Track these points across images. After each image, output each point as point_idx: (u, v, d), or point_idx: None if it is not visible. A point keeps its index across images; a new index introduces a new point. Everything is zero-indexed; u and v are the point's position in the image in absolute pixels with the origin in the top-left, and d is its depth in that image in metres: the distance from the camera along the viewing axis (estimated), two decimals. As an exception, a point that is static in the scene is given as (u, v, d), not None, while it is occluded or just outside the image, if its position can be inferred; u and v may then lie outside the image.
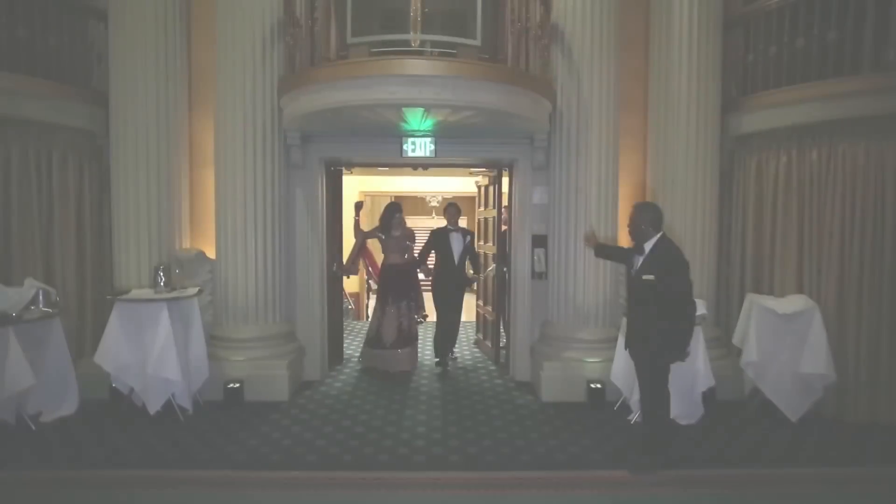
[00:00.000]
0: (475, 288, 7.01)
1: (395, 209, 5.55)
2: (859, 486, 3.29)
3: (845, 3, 4.15)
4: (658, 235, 3.42)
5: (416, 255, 5.74)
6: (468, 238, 5.71)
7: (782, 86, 4.52)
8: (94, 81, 4.98)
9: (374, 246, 6.42)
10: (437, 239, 5.67)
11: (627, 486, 3.25)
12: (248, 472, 3.36)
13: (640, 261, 3.43)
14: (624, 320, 4.10)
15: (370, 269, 8.04)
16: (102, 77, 4.92)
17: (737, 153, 5.00)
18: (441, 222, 5.97)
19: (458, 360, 6.04)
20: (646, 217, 3.47)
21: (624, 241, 4.42)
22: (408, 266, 5.56)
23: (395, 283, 5.44)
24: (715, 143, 4.87)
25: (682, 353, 3.36)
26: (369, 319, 5.94)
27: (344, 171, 5.91)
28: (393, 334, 5.30)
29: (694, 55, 4.76)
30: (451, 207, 5.79)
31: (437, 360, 5.70)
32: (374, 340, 5.39)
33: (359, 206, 5.96)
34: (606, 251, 3.96)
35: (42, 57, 4.57)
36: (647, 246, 3.40)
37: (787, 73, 4.54)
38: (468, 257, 5.77)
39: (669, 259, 3.40)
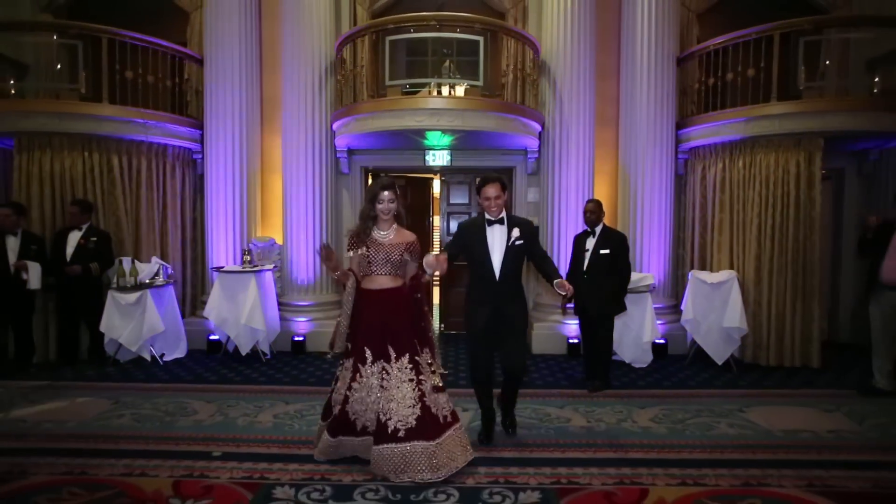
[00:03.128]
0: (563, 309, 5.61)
1: (383, 185, 3.15)
2: (758, 401, 4.58)
3: (760, 47, 5.45)
4: (602, 222, 4.81)
5: (421, 277, 3.25)
6: (518, 233, 3.33)
7: (718, 109, 5.85)
8: (191, 110, 6.56)
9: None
10: (466, 234, 3.43)
11: (585, 398, 4.61)
12: (317, 386, 4.82)
13: (593, 242, 4.80)
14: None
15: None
16: (198, 106, 6.49)
17: (688, 161, 6.33)
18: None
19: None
20: (602, 210, 4.86)
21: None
22: (401, 292, 3.18)
23: (378, 322, 3.10)
24: (671, 152, 6.20)
25: (623, 306, 4.74)
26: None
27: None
28: (369, 417, 3.05)
29: (653, 83, 6.08)
30: (489, 183, 3.31)
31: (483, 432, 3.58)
32: (330, 418, 3.16)
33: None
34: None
35: (160, 93, 6.13)
36: (597, 229, 4.79)
37: (721, 100, 5.85)
38: (530, 263, 3.59)
39: (617, 237, 4.79)
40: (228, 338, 5.70)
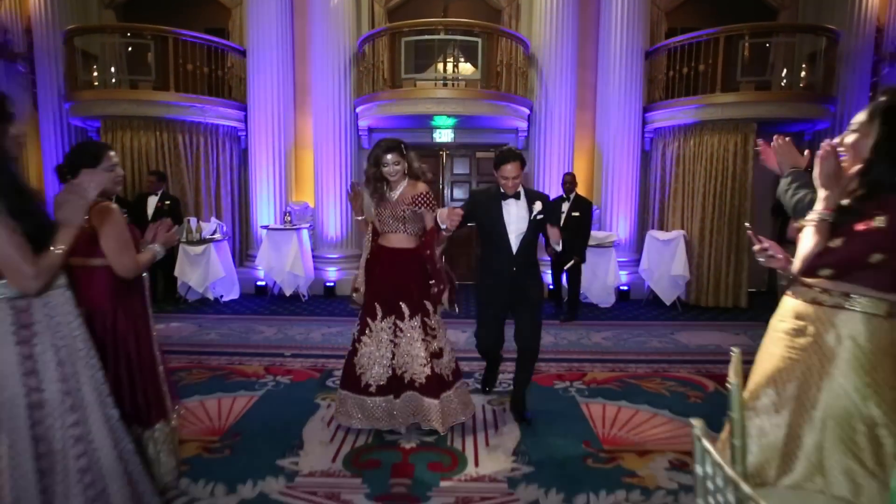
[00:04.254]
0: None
1: (388, 147, 3.02)
2: (687, 328, 5.92)
3: (710, 47, 6.62)
4: (575, 191, 6.10)
5: (438, 231, 3.04)
6: (539, 207, 3.15)
7: (676, 97, 7.05)
8: (234, 93, 7.77)
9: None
10: (479, 208, 3.23)
11: (556, 325, 5.98)
12: (349, 317, 6.18)
13: (567, 206, 6.09)
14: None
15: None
16: (240, 90, 7.70)
17: (653, 139, 7.56)
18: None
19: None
20: (576, 181, 6.14)
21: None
22: (416, 253, 3.10)
23: (390, 282, 3.09)
24: (638, 132, 7.42)
25: (583, 257, 6.07)
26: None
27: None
28: (382, 373, 3.08)
29: (624, 73, 7.26)
30: (510, 161, 3.11)
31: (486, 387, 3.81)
32: (348, 376, 3.16)
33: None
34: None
35: (213, 81, 7.35)
36: (571, 196, 6.08)
37: (680, 89, 7.05)
38: (543, 239, 3.31)
39: (586, 203, 6.09)
40: (275, 282, 7.08)
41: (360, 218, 3.25)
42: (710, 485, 1.11)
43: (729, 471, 1.01)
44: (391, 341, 3.07)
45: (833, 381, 1.66)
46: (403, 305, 3.06)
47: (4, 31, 7.13)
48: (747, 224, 2.13)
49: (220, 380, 4.11)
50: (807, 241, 1.68)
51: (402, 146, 3.06)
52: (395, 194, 3.09)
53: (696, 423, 1.14)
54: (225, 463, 2.86)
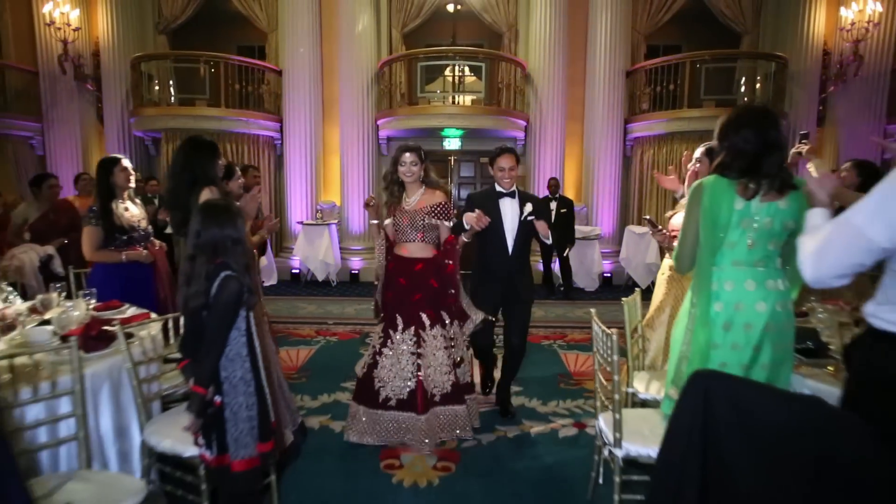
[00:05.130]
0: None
1: (406, 148, 3.09)
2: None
3: (678, 69, 7.81)
4: (559, 192, 7.30)
5: (454, 241, 3.11)
6: (530, 208, 3.24)
7: (650, 111, 8.24)
8: (270, 107, 8.99)
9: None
10: (480, 208, 3.14)
11: (544, 303, 7.17)
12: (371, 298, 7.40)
13: (555, 204, 7.29)
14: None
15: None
16: (275, 104, 8.93)
17: (633, 147, 8.76)
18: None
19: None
20: (559, 185, 7.35)
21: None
22: (434, 262, 3.10)
23: (409, 292, 3.06)
24: (620, 141, 8.61)
25: (564, 249, 7.27)
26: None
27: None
28: (402, 386, 3.00)
29: (608, 90, 8.45)
30: (504, 154, 3.27)
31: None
32: (365, 391, 3.07)
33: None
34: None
35: (252, 98, 8.58)
36: (557, 196, 7.28)
37: (653, 104, 8.24)
38: (537, 241, 3.38)
39: (569, 202, 7.30)
40: (308, 270, 8.31)
41: (374, 222, 3.19)
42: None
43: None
44: (413, 353, 2.98)
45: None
46: (424, 316, 3.01)
47: (78, 56, 8.35)
48: (646, 217, 3.31)
49: (282, 339, 5.33)
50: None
51: (422, 151, 3.10)
52: (413, 201, 3.07)
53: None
54: (305, 385, 4.09)
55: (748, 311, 1.94)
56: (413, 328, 3.01)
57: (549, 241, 3.23)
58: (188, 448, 2.08)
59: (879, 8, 7.57)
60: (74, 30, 8.13)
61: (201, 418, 1.88)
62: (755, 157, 1.89)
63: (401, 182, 3.10)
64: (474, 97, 8.03)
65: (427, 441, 2.92)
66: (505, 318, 3.41)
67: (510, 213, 3.26)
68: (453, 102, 7.81)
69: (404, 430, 2.98)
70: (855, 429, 1.19)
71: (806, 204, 1.76)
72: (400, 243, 3.13)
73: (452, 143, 8.96)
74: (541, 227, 3.20)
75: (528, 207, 3.23)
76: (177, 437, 2.10)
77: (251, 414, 1.94)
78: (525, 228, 3.26)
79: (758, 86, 7.94)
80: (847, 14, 7.82)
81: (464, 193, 9.49)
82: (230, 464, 1.92)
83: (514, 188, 3.30)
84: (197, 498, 2.18)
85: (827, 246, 1.37)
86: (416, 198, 3.08)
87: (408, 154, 3.04)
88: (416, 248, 3.07)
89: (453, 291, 3.08)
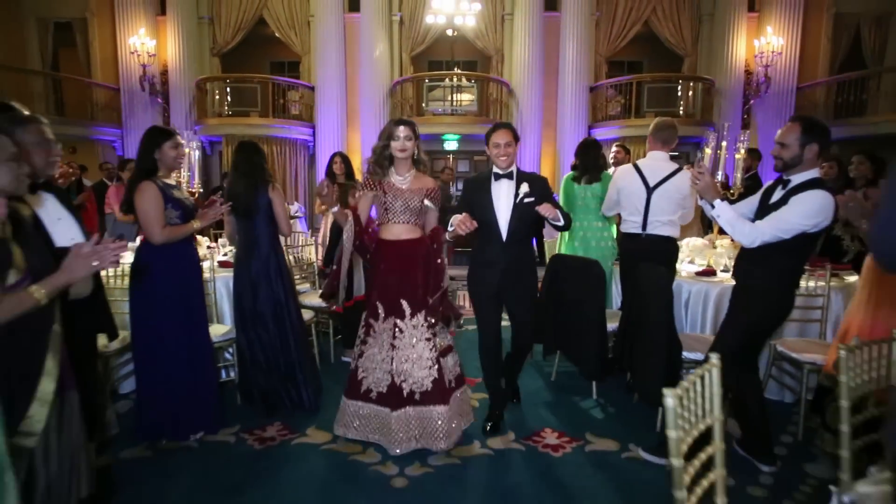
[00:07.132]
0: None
1: (399, 121, 2.86)
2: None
3: (628, 88, 9.95)
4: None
5: (440, 231, 2.93)
6: (526, 189, 2.88)
7: (608, 120, 10.40)
8: (304, 116, 11.12)
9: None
10: (470, 192, 3.03)
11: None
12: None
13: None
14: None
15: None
16: (308, 113, 11.05)
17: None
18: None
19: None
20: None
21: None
22: (421, 242, 2.90)
23: (394, 277, 2.84)
24: (585, 143, 10.74)
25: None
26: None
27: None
28: (382, 378, 2.84)
29: (575, 102, 10.58)
30: (498, 129, 2.91)
31: (489, 421, 3.11)
32: (351, 381, 2.92)
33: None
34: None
35: (290, 108, 10.71)
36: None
37: (618, 112, 10.40)
38: (534, 227, 3.09)
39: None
40: (337, 246, 10.46)
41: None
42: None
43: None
44: (391, 344, 2.79)
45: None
46: (404, 303, 2.79)
47: (151, 75, 10.46)
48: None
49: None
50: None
51: (416, 126, 2.83)
52: (405, 181, 2.82)
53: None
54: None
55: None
56: (392, 318, 2.80)
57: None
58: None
59: (781, 41, 9.75)
60: (150, 55, 10.24)
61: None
62: None
63: (391, 157, 2.81)
64: (469, 109, 10.17)
65: (398, 451, 2.74)
66: (506, 303, 3.02)
67: (505, 196, 2.87)
68: (452, 114, 9.95)
69: (378, 428, 2.82)
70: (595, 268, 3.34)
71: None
72: (387, 224, 2.85)
73: (451, 145, 11.13)
74: (544, 209, 2.72)
75: (525, 188, 2.84)
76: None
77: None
78: (522, 212, 2.85)
79: (690, 101, 10.10)
80: (759, 44, 9.98)
81: (460, 185, 11.65)
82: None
83: (511, 168, 2.89)
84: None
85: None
86: (409, 177, 2.83)
87: (402, 127, 2.76)
88: (404, 231, 2.83)
89: (443, 284, 2.88)
